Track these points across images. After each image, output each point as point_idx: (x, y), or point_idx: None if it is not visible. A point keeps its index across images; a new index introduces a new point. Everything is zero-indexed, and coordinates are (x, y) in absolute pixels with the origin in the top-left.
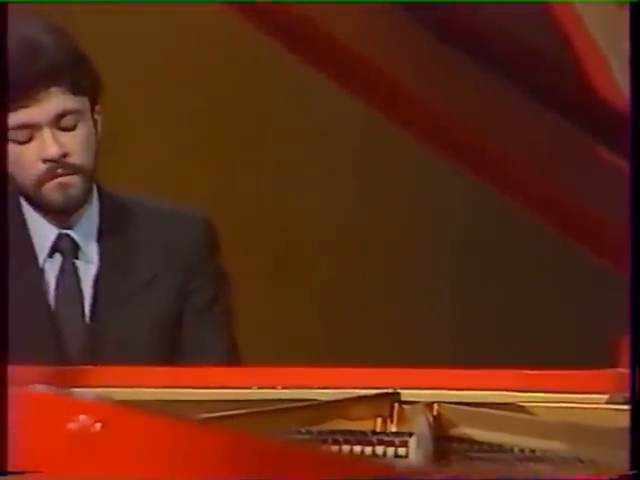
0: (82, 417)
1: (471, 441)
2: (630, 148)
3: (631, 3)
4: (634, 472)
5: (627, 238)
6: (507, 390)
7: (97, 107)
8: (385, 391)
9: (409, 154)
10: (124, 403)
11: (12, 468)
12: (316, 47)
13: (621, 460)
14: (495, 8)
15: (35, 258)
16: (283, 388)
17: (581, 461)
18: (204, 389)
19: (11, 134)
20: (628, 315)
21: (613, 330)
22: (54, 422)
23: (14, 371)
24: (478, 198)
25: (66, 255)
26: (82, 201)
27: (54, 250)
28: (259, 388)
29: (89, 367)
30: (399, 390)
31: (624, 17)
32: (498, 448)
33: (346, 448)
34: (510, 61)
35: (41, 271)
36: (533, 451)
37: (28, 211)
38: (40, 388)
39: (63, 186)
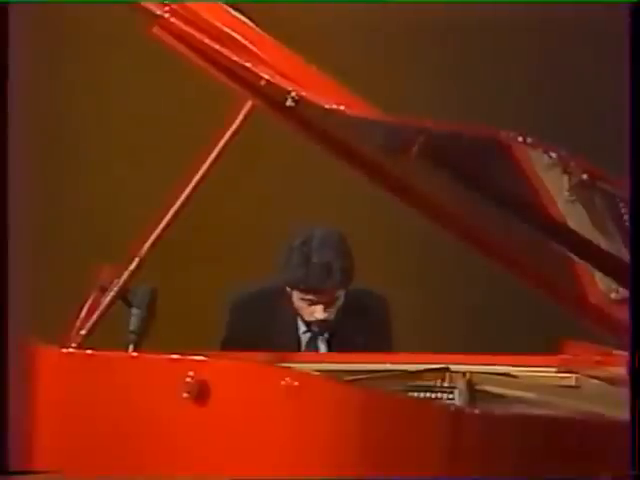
0: (287, 378)
1: (487, 392)
2: (630, 150)
3: (631, 3)
4: (634, 473)
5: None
6: (505, 365)
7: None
8: (442, 366)
9: None
10: (311, 372)
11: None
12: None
13: (562, 401)
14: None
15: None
16: (389, 363)
17: (543, 402)
18: (351, 364)
19: None
20: (629, 317)
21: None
22: (273, 381)
23: (256, 355)
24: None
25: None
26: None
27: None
28: (379, 363)
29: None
30: (449, 365)
31: (575, 209)
32: (501, 397)
33: (421, 395)
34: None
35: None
36: (519, 397)
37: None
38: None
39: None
